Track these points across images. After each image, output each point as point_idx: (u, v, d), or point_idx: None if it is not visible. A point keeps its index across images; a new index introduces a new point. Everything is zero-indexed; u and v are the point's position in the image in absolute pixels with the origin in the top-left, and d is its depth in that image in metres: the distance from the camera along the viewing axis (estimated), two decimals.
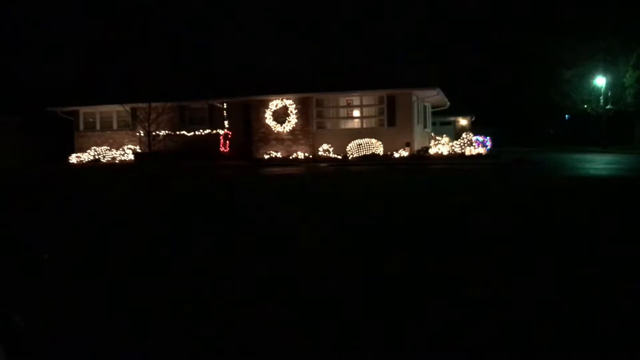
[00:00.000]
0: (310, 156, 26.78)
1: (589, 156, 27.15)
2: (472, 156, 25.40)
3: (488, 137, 28.00)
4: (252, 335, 3.26)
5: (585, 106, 41.72)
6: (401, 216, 8.14)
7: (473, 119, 42.48)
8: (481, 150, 26.32)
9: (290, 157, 26.82)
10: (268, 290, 4.18)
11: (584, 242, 5.78)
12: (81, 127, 30.76)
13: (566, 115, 49.19)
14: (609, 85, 38.10)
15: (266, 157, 27.19)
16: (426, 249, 5.60)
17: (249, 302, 3.91)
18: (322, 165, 23.47)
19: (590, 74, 39.44)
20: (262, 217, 8.37)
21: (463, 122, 42.20)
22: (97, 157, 29.29)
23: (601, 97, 38.45)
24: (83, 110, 30.58)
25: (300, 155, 26.88)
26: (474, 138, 26.81)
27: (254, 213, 8.92)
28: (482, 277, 4.45)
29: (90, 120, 30.81)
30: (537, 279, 4.37)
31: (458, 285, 4.20)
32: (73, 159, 29.46)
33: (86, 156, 29.36)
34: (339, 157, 26.05)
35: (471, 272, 4.59)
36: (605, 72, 38.00)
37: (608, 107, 38.02)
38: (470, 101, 41.76)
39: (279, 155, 27.29)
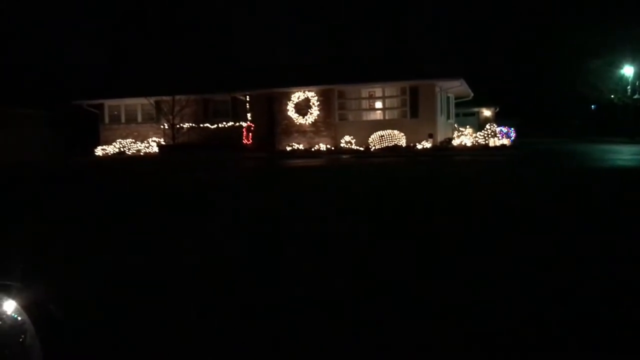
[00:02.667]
0: (332, 148, 26.79)
1: (616, 147, 26.67)
2: (495, 147, 25.14)
3: (512, 128, 27.66)
4: None
5: (612, 96, 40.95)
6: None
7: (497, 110, 41.97)
8: (505, 141, 26.02)
9: (313, 149, 26.87)
10: None
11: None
12: (106, 120, 31.17)
13: (592, 106, 48.34)
14: (637, 75, 37.31)
15: (288, 149, 27.27)
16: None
17: None
18: (344, 157, 23.47)
19: (618, 63, 38.67)
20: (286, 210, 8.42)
21: (487, 113, 41.73)
22: (122, 149, 29.67)
23: (629, 87, 37.69)
24: (108, 103, 30.96)
25: (322, 147, 26.91)
26: (498, 129, 26.51)
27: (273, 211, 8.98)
28: None
29: (115, 113, 31.19)
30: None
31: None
32: (99, 151, 29.88)
33: (111, 149, 29.75)
34: (361, 148, 26.01)
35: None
36: (633, 62, 37.22)
37: (636, 97, 37.25)
38: (495, 92, 41.26)
39: (301, 147, 27.35)
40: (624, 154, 20.83)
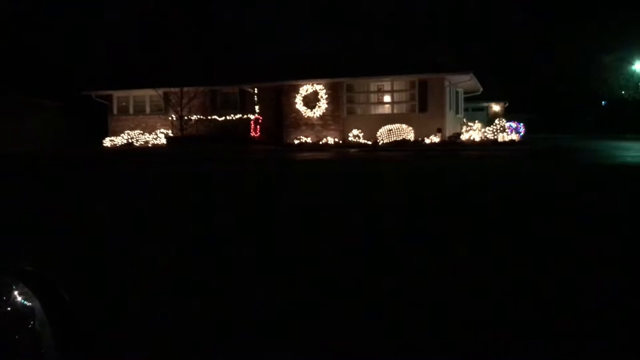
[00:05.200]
0: (340, 141, 26.73)
1: (627, 144, 26.41)
2: (504, 143, 25.03)
3: (521, 124, 27.50)
4: None
5: (623, 92, 40.63)
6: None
7: (506, 104, 41.75)
8: (514, 136, 25.90)
9: (320, 143, 26.82)
10: None
11: None
12: (115, 111, 31.22)
13: (603, 102, 47.93)
14: None
15: (296, 142, 27.23)
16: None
17: None
18: (351, 150, 23.40)
19: (629, 59, 38.35)
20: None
21: (496, 108, 41.53)
22: (130, 140, 29.69)
23: (639, 83, 37.40)
24: (117, 94, 31.00)
25: (330, 140, 26.85)
26: (507, 124, 26.37)
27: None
28: None
29: (124, 104, 31.23)
30: None
31: None
32: (107, 142, 29.94)
33: (120, 140, 29.79)
34: (369, 142, 25.93)
35: None
36: None
37: None
38: (504, 87, 41.00)
39: (308, 140, 27.30)
40: (633, 150, 20.65)
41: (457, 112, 30.06)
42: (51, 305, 1.21)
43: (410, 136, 25.63)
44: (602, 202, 7.81)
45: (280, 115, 28.33)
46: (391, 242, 5.34)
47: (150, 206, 8.11)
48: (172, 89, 28.30)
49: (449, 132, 26.58)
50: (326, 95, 27.51)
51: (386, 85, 27.39)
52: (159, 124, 30.01)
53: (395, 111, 27.07)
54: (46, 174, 14.61)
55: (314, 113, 27.70)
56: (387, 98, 27.59)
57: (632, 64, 37.94)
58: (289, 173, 14.17)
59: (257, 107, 28.52)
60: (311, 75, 27.54)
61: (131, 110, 31.06)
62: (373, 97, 27.92)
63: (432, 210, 7.35)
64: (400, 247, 5.14)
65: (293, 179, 12.58)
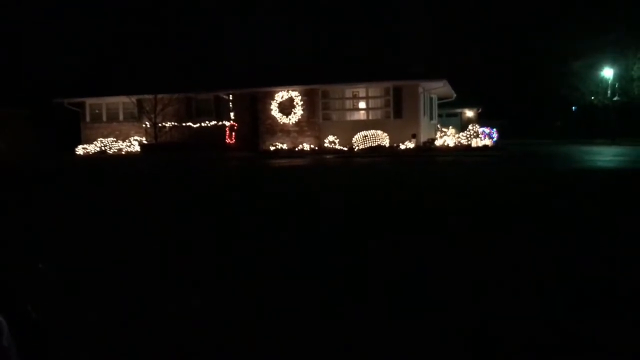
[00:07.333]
0: (316, 148, 26.77)
1: (597, 148, 26.96)
2: (478, 148, 25.31)
3: (494, 129, 27.85)
4: None
5: (593, 98, 41.40)
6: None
7: (480, 110, 42.28)
8: (487, 142, 26.20)
9: (296, 149, 26.82)
10: None
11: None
12: (87, 118, 30.81)
13: (573, 107, 48.85)
14: (617, 77, 37.80)
15: (272, 148, 27.19)
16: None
17: None
18: (327, 157, 23.44)
19: (598, 65, 39.12)
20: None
21: (469, 113, 42.02)
22: (103, 148, 29.33)
23: (608, 89, 38.16)
24: (89, 101, 30.62)
25: (306, 146, 26.86)
26: (480, 130, 26.68)
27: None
28: None
29: (97, 111, 30.84)
30: None
31: None
32: (79, 150, 29.51)
33: (92, 148, 29.41)
34: (345, 148, 26.02)
35: None
36: (613, 64, 37.69)
37: (615, 99, 37.72)
38: (477, 93, 41.54)
39: (284, 146, 27.28)
40: (604, 155, 21.08)
41: (431, 118, 30.35)
42: (16, 321, 1.19)
43: (386, 142, 25.79)
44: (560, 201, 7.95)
45: (256, 122, 28.28)
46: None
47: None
48: (146, 96, 28.06)
49: (423, 138, 26.81)
50: (302, 102, 27.55)
51: (361, 91, 27.53)
52: (132, 132, 29.73)
53: (370, 117, 27.22)
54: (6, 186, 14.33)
55: (290, 119, 27.71)
56: (362, 104, 27.73)
57: (601, 71, 38.67)
58: (263, 180, 14.13)
59: (232, 114, 28.42)
60: (286, 81, 27.58)
61: (104, 118, 30.70)
62: (348, 104, 28.04)
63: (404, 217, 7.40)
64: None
65: (266, 187, 12.55)
